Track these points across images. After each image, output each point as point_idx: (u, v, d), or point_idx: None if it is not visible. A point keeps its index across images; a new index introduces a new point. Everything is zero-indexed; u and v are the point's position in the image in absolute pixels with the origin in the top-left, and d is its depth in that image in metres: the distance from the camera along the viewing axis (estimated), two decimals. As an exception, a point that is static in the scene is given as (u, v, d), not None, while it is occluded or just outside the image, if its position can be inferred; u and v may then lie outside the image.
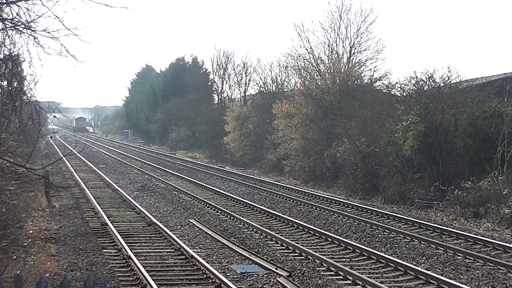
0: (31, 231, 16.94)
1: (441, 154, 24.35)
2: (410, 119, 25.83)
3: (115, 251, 15.36)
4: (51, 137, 55.69)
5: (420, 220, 20.13)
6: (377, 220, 20.58)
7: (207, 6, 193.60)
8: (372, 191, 27.34)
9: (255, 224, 19.14)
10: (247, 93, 57.45)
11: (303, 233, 18.43)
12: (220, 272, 12.81)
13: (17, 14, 9.38)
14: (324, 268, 13.76)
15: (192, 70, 69.98)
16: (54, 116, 17.04)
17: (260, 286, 12.33)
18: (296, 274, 13.20)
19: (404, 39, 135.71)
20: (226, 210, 22.04)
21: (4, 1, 9.63)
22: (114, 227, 17.95)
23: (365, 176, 27.87)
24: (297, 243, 16.38)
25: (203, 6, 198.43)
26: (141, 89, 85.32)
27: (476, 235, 17.66)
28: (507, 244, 16.12)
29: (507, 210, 19.48)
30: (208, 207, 23.48)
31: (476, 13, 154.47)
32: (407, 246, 16.26)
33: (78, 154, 38.94)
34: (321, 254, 15.01)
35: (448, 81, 26.19)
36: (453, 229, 18.51)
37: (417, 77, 27.09)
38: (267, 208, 23.03)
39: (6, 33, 10.33)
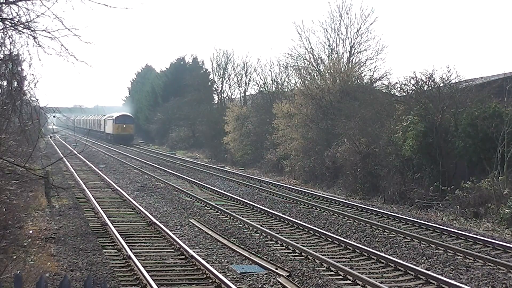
0: (31, 231, 16.94)
1: (441, 154, 24.35)
2: (410, 119, 25.82)
3: (115, 251, 15.37)
4: (50, 137, 55.62)
5: (420, 220, 20.14)
6: (377, 220, 20.59)
7: (207, 6, 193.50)
8: (372, 191, 27.34)
9: (255, 224, 19.14)
10: (247, 93, 57.44)
11: (303, 233, 18.43)
12: (220, 272, 12.82)
13: (17, 14, 9.39)
14: (324, 268, 13.76)
15: (192, 70, 69.97)
16: (54, 116, 17.03)
17: (260, 286, 12.33)
18: (296, 274, 13.21)
19: (404, 39, 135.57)
20: (226, 210, 22.04)
21: (4, 1, 9.63)
22: (114, 227, 17.96)
23: (365, 176, 27.86)
24: (297, 243, 16.38)
25: (203, 6, 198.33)
26: (141, 89, 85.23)
27: (476, 235, 17.66)
28: (507, 244, 16.12)
29: (507, 210, 19.48)
30: (208, 207, 23.48)
31: (476, 13, 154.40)
32: (407, 246, 16.26)
33: (78, 154, 38.91)
34: (321, 254, 15.02)
35: (448, 81, 26.19)
36: (453, 229, 18.52)
37: (416, 77, 27.08)
38: (267, 208, 23.03)
39: (6, 33, 10.34)
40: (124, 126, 70.80)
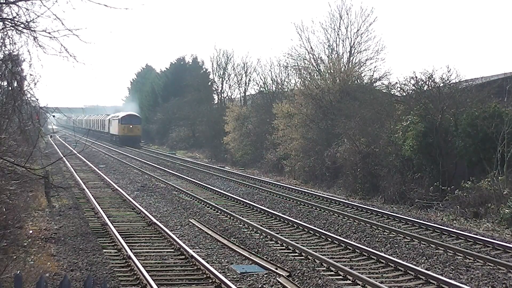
0: (31, 231, 16.93)
1: (441, 154, 24.36)
2: (410, 119, 25.83)
3: (115, 251, 15.37)
4: (50, 137, 55.60)
5: (420, 220, 20.14)
6: (377, 220, 20.59)
7: (207, 6, 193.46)
8: (372, 191, 27.34)
9: (255, 224, 19.14)
10: (247, 93, 57.47)
11: (303, 233, 18.43)
12: (220, 272, 12.82)
13: (17, 14, 9.39)
14: (324, 268, 13.76)
15: (192, 70, 70.01)
16: (53, 116, 17.02)
17: (260, 286, 12.33)
18: (296, 274, 13.20)
19: (404, 39, 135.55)
20: (226, 210, 22.04)
21: (4, 1, 9.63)
22: (114, 227, 17.96)
23: (365, 176, 27.87)
24: (297, 243, 16.38)
25: (203, 6, 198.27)
26: (141, 89, 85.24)
27: (476, 235, 17.66)
28: (507, 244, 16.13)
29: (507, 210, 19.48)
30: (208, 207, 23.47)
31: (476, 13, 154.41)
32: (407, 246, 16.26)
33: (78, 154, 38.93)
34: (321, 254, 15.02)
35: (448, 81, 26.20)
36: (453, 229, 18.52)
37: (416, 77, 27.10)
38: (267, 208, 23.02)
39: (6, 33, 10.34)
40: (131, 126, 66.09)
